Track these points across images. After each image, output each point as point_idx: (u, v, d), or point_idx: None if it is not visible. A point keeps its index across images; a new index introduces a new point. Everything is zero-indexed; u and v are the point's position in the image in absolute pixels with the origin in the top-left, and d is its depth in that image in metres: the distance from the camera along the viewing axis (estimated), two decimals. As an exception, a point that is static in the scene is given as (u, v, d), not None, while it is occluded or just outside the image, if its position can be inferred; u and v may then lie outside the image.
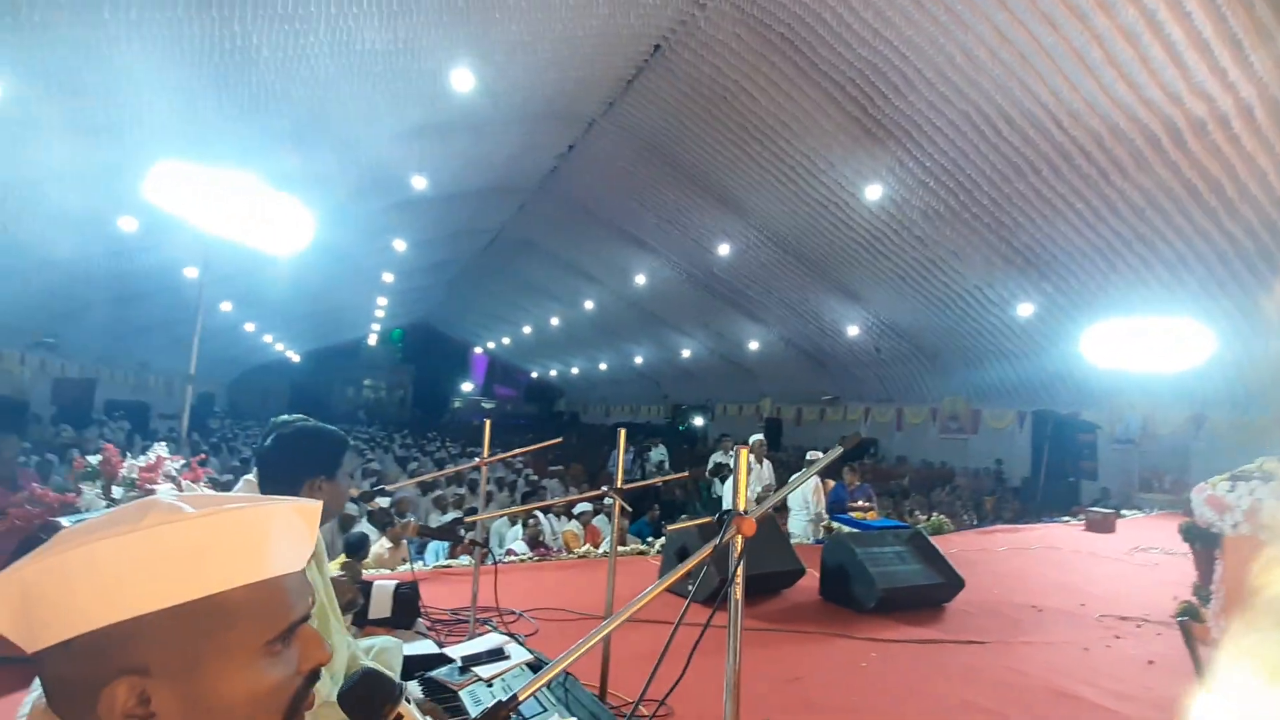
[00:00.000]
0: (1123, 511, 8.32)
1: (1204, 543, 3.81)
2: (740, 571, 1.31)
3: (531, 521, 6.77)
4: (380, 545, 4.89)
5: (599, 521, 7.40)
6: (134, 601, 0.56)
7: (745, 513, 1.26)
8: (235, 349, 21.57)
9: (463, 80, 7.97)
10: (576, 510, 7.41)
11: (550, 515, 7.58)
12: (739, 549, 1.27)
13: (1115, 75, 7.04)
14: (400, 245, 14.76)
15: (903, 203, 10.14)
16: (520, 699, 0.88)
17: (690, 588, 4.00)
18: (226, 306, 15.47)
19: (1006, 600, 4.36)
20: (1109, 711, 2.68)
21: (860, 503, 6.60)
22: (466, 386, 34.18)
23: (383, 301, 22.05)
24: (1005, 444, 13.27)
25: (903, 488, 12.87)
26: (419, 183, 10.89)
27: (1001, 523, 8.58)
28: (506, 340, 29.56)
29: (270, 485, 1.76)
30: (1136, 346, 9.52)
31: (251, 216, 5.70)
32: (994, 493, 12.15)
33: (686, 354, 20.44)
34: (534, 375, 32.41)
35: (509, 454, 4.09)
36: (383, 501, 3.98)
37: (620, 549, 5.42)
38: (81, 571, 0.55)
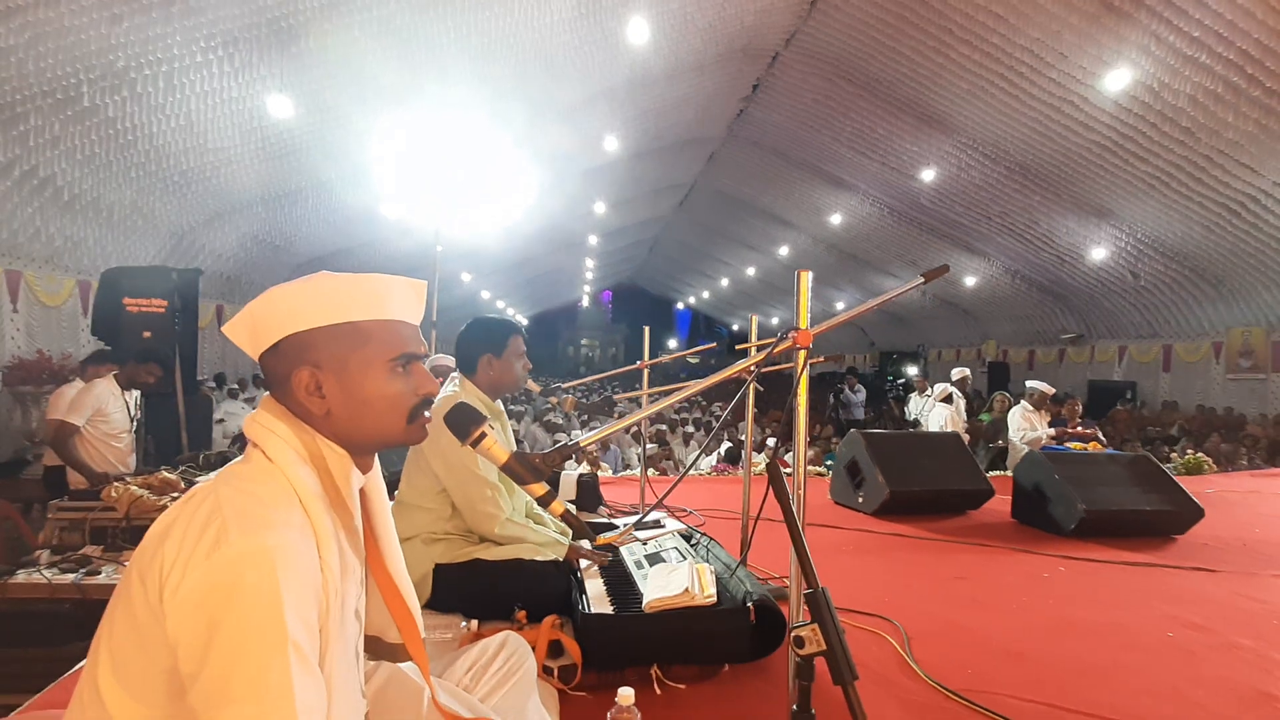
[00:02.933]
0: None
1: None
2: (803, 388, 1.36)
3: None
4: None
5: (787, 458, 7.50)
6: (308, 319, 0.90)
7: (806, 328, 1.32)
8: (473, 314, 24.96)
9: (638, 31, 8.22)
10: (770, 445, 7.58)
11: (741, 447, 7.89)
12: (801, 363, 1.33)
13: None
14: (600, 208, 15.74)
15: (1162, 88, 8.27)
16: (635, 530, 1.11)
17: (860, 499, 3.96)
18: (466, 277, 17.90)
19: (1266, 538, 3.61)
20: (1376, 644, 2.18)
21: (1078, 430, 5.79)
22: (672, 343, 35.60)
23: (590, 264, 23.75)
24: (1324, 384, 10.38)
25: (1169, 436, 10.79)
26: (611, 144, 11.49)
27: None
28: (706, 294, 30.05)
29: (460, 364, 2.22)
30: None
31: (481, 189, 6.51)
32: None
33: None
34: (734, 328, 32.64)
35: (683, 390, 4.35)
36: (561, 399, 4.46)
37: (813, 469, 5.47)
38: (280, 300, 0.90)
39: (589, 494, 3.68)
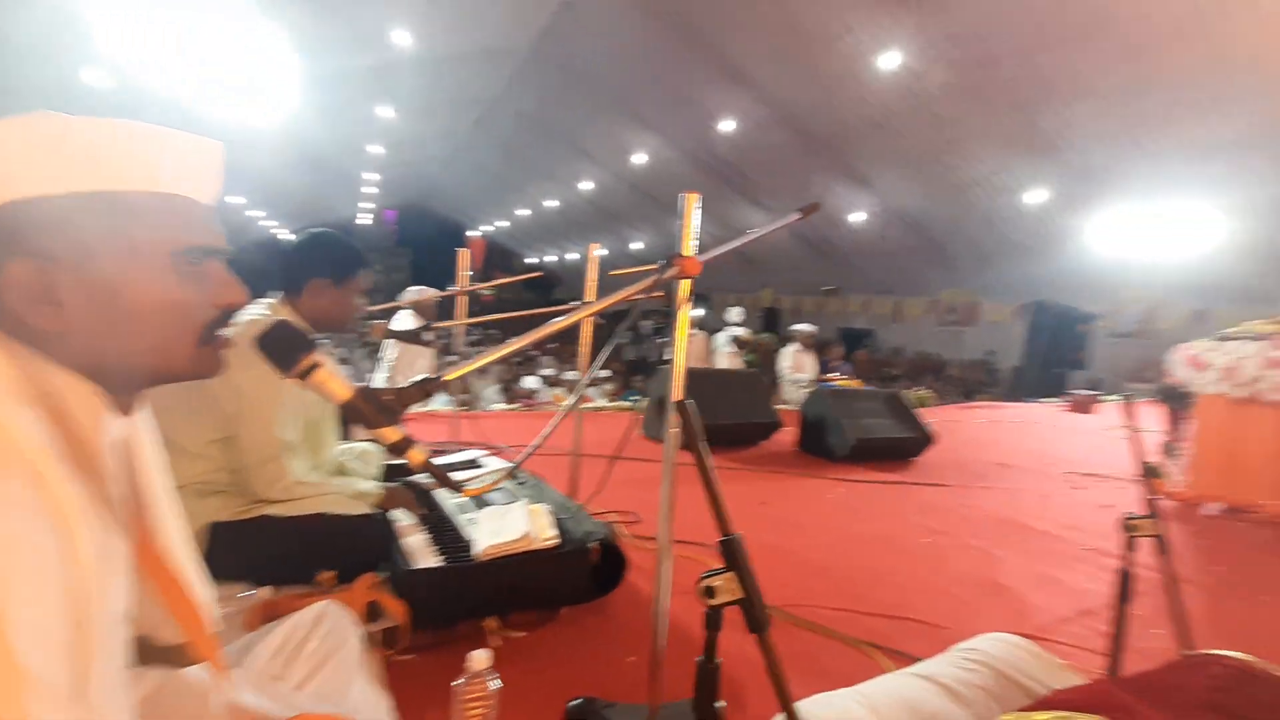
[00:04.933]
0: (1107, 397, 8.44)
1: (1177, 403, 3.85)
2: (684, 323, 1.27)
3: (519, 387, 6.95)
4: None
5: (591, 392, 7.59)
6: (28, 183, 0.56)
7: (692, 255, 1.21)
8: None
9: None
10: (571, 379, 7.59)
11: (543, 383, 7.80)
12: (684, 294, 1.23)
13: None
14: (387, 113, 14.04)
15: (922, 74, 9.51)
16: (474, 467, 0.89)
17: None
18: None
19: (976, 457, 4.50)
20: (1054, 537, 2.82)
21: (839, 374, 6.70)
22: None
23: (373, 177, 21.30)
24: (1001, 336, 13.29)
25: (894, 376, 13.05)
26: (401, 38, 10.15)
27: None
28: (504, 223, 28.84)
29: (281, 281, 1.75)
30: (1145, 233, 9.31)
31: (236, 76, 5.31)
32: (985, 383, 12.31)
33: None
34: (534, 261, 32.05)
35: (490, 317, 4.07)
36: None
37: (608, 404, 5.55)
38: None
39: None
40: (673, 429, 1.28)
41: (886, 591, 2.12)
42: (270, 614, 1.35)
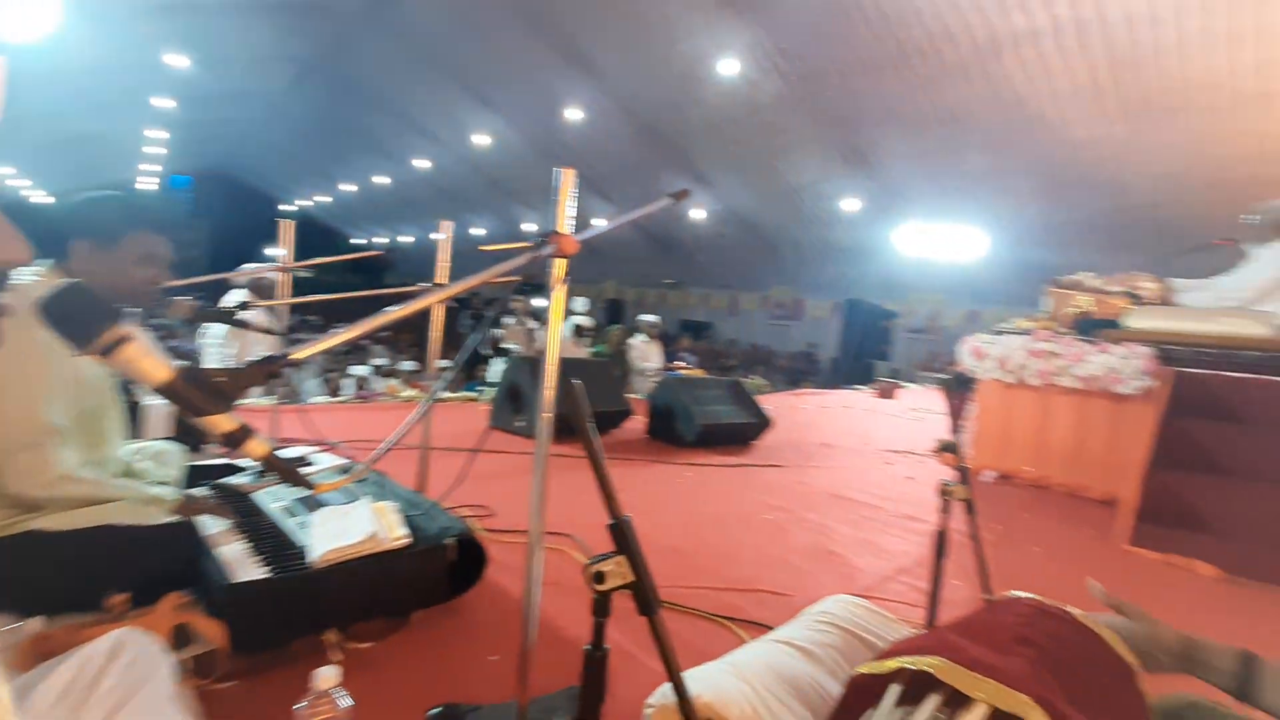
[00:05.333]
0: (906, 384, 9.67)
1: (961, 387, 4.50)
2: (562, 296, 1.22)
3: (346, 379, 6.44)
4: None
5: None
6: None
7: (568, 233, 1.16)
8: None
9: None
10: (407, 369, 7.15)
11: (377, 375, 7.26)
12: (560, 274, 1.18)
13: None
14: (179, 61, 12.17)
15: (757, 84, 10.16)
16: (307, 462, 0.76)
17: (520, 423, 3.96)
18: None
19: (805, 439, 4.92)
20: (873, 507, 3.15)
21: (683, 363, 7.01)
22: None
23: (161, 135, 18.36)
24: (821, 330, 14.70)
25: (730, 366, 13.90)
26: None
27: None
28: (325, 199, 26.25)
29: (44, 248, 1.39)
30: (932, 244, 10.77)
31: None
32: (808, 372, 13.53)
33: (532, 229, 19.75)
34: (362, 243, 29.62)
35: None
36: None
37: (450, 395, 5.29)
38: None
39: (188, 427, 2.87)
40: (547, 413, 1.23)
41: (738, 567, 2.23)
42: (45, 650, 1.09)
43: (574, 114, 12.52)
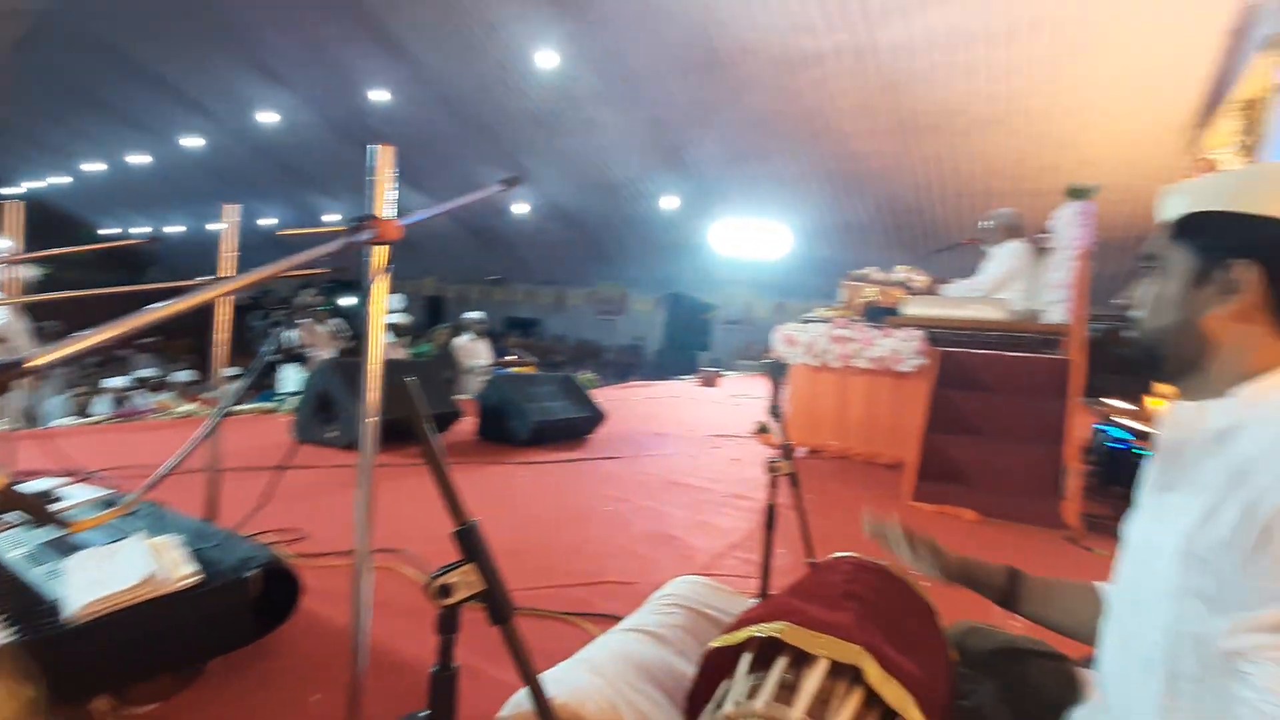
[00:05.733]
0: (725, 372, 10.36)
1: (776, 372, 4.91)
2: (382, 286, 1.10)
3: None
4: None
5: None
6: None
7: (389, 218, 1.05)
8: None
9: None
10: (183, 380, 6.17)
11: (143, 389, 6.17)
12: (379, 260, 1.06)
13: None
14: None
15: (576, 79, 10.20)
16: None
17: (332, 433, 3.60)
18: None
19: (638, 430, 5.06)
20: (704, 490, 3.32)
21: (514, 358, 6.89)
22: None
23: None
24: (646, 324, 15.23)
25: (560, 362, 13.89)
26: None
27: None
28: (63, 180, 21.55)
29: None
30: (744, 241, 11.65)
31: None
32: (635, 365, 13.96)
33: (335, 219, 18.03)
34: (115, 233, 24.88)
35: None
36: None
37: (242, 407, 4.69)
38: None
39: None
40: (372, 418, 1.10)
41: (582, 561, 2.22)
42: None
43: (380, 95, 11.64)
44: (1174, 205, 0.73)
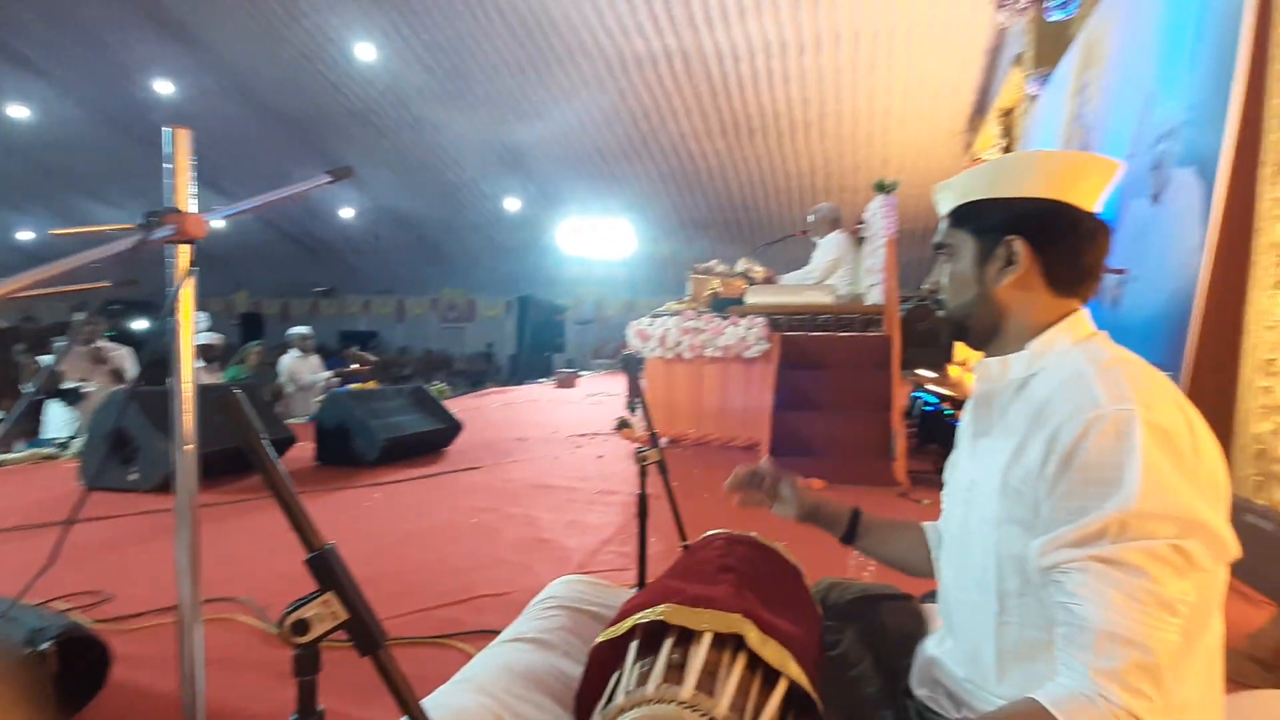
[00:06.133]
0: (582, 372, 10.37)
1: (632, 366, 4.99)
2: (190, 294, 0.95)
3: None
4: None
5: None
6: None
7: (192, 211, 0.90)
8: None
9: None
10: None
11: None
12: (184, 262, 0.91)
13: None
14: None
15: (400, 74, 9.64)
16: None
17: (133, 475, 3.14)
18: None
19: (498, 437, 4.91)
20: (572, 489, 3.29)
21: (355, 366, 6.41)
22: None
23: None
24: (496, 329, 14.83)
25: (406, 375, 13.09)
26: None
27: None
28: None
29: None
30: (591, 240, 11.75)
31: None
32: (488, 372, 13.54)
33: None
34: None
35: None
36: None
37: (9, 456, 3.92)
38: None
39: None
40: (188, 447, 0.95)
41: (451, 578, 2.09)
42: None
43: (165, 86, 10.20)
44: (945, 199, 0.84)
